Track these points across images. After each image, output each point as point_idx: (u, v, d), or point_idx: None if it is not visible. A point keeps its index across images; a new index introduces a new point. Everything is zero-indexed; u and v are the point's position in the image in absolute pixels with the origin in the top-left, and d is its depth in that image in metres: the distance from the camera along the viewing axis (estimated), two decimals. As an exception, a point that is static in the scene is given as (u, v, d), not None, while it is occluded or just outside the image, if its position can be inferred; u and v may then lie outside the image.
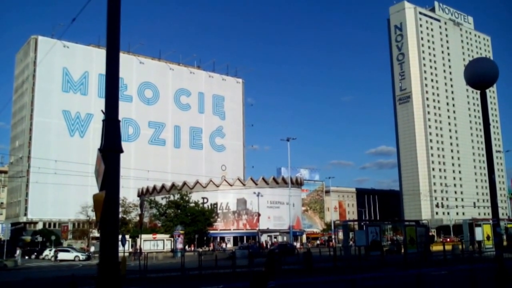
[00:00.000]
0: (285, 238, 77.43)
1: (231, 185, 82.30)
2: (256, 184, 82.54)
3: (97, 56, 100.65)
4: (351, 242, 38.07)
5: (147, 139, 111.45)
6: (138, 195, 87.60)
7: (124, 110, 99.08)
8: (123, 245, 31.68)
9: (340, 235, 47.99)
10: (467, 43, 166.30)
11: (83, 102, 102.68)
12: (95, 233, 69.18)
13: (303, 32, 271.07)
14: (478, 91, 7.55)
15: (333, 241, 73.19)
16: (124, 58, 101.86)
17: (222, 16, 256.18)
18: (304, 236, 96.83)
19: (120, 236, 33.39)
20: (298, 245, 76.01)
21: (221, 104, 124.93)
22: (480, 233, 40.72)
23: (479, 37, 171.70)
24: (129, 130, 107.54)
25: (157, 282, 25.10)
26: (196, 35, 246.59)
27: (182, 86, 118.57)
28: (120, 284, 5.88)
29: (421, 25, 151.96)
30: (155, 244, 56.74)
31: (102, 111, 6.26)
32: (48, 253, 54.80)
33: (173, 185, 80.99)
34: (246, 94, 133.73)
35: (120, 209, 79.07)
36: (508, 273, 7.17)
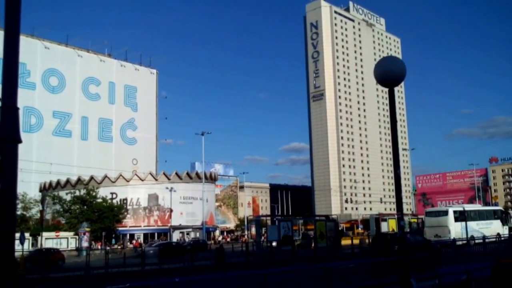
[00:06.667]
0: (197, 234, 76.95)
1: (142, 180, 79.94)
2: (169, 179, 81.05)
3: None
4: (263, 237, 38.74)
5: (51, 130, 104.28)
6: (40, 190, 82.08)
7: (26, 98, 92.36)
8: (22, 243, 29.70)
9: (253, 230, 48.79)
10: (379, 43, 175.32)
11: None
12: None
13: (219, 26, 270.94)
14: (387, 90, 7.87)
15: (246, 236, 74.24)
16: (27, 42, 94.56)
17: (132, 3, 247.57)
18: (218, 232, 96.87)
19: (18, 234, 31.04)
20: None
21: (134, 95, 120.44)
22: (386, 227, 43.56)
23: (389, 38, 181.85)
24: (31, 120, 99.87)
25: (60, 282, 23.74)
26: (107, 21, 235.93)
27: (91, 74, 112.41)
28: (17, 285, 5.37)
29: (336, 24, 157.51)
30: (58, 242, 53.60)
31: (-2, 97, 5.63)
32: None
33: (79, 180, 76.81)
34: (160, 86, 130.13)
35: (19, 205, 73.69)
36: (409, 263, 7.62)
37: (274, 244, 34.43)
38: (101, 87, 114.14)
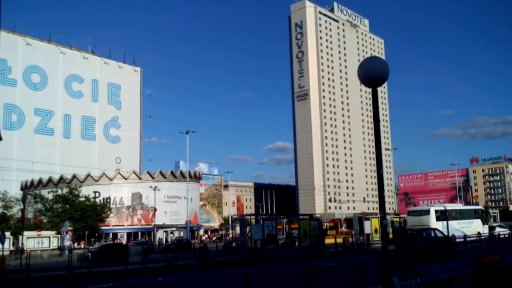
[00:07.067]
0: (182, 233, 76.64)
1: (126, 179, 79.25)
2: (153, 178, 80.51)
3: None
4: (247, 236, 38.77)
5: (32, 127, 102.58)
6: (22, 189, 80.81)
7: (7, 95, 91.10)
8: (2, 242, 29.34)
9: (238, 229, 48.86)
10: (363, 44, 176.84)
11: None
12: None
13: (204, 25, 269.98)
14: (371, 90, 7.93)
15: (231, 235, 74.15)
16: (8, 38, 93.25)
17: (116, 1, 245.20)
18: (202, 231, 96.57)
19: (-2, 233, 30.56)
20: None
21: (117, 93, 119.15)
22: (369, 226, 43.92)
23: (373, 39, 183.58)
24: (12, 117, 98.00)
25: (41, 282, 23.42)
26: (90, 18, 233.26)
27: (74, 71, 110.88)
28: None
29: (320, 25, 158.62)
30: (39, 242, 52.73)
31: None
32: None
33: (61, 178, 75.80)
34: (144, 84, 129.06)
35: (0, 204, 72.29)
36: (391, 261, 7.68)
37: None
38: (84, 85, 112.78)
